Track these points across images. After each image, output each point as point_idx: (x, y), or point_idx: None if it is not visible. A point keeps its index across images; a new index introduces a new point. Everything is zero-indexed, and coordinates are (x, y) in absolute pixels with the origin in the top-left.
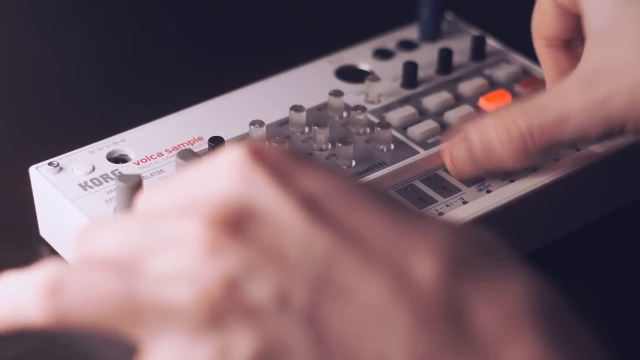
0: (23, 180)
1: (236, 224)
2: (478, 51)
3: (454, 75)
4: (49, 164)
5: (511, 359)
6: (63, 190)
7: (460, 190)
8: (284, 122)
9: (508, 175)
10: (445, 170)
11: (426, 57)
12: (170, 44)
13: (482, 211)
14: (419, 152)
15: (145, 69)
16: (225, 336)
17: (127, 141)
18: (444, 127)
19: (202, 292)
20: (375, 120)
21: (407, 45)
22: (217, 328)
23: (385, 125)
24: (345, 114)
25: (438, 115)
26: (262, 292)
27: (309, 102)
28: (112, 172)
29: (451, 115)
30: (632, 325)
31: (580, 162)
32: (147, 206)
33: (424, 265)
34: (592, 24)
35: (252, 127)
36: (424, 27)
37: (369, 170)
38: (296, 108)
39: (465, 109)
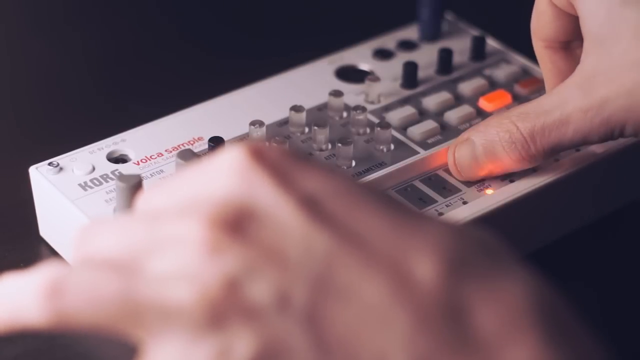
0: (23, 180)
1: (236, 224)
2: (478, 51)
3: (454, 75)
4: (49, 164)
5: (511, 359)
6: (63, 191)
7: (460, 190)
8: (284, 122)
9: (508, 175)
10: (446, 170)
11: (426, 57)
12: (170, 44)
13: (482, 211)
14: (419, 152)
15: (145, 69)
16: (226, 336)
17: (127, 141)
18: (444, 127)
19: (202, 293)
20: (375, 120)
21: (407, 45)
22: (218, 328)
23: (385, 125)
24: (345, 114)
25: (438, 115)
26: (262, 292)
27: (309, 102)
28: (112, 172)
29: (451, 116)
30: (632, 326)
31: (580, 163)
32: (147, 206)
33: (424, 266)
34: (590, 26)
35: (252, 127)
36: (424, 27)
37: (369, 171)
38: (296, 108)
39: (465, 109)
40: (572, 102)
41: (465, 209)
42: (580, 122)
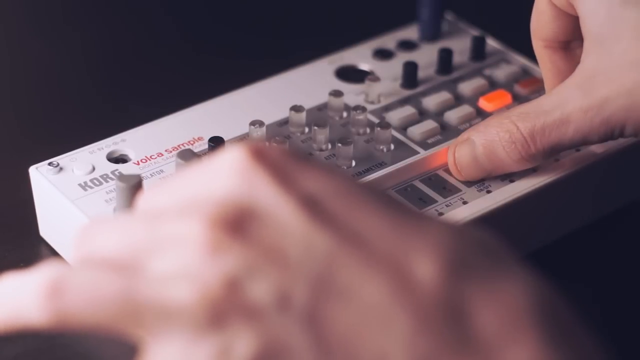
0: (23, 180)
1: (237, 223)
2: (478, 51)
3: (454, 75)
4: (49, 164)
5: None
6: (63, 190)
7: (460, 190)
8: (284, 122)
9: (508, 175)
10: (446, 170)
11: (426, 57)
12: (170, 44)
13: (482, 211)
14: (419, 152)
15: (145, 69)
16: (226, 336)
17: (127, 141)
18: (444, 127)
19: (203, 292)
20: (375, 120)
21: (407, 45)
22: (218, 328)
23: (385, 125)
24: (345, 114)
25: (438, 115)
26: (263, 292)
27: (309, 102)
28: (112, 172)
29: (451, 116)
30: (632, 326)
31: (580, 163)
32: (148, 206)
33: (425, 266)
34: (590, 26)
35: (252, 127)
36: (424, 27)
37: (369, 171)
38: (296, 108)
39: (465, 109)
40: (572, 102)
41: (465, 209)
42: (581, 122)
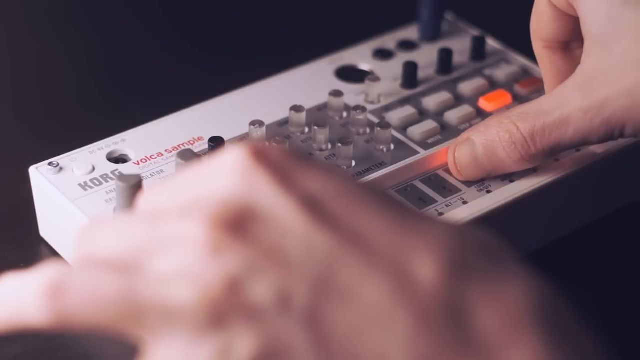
0: (23, 180)
1: (238, 224)
2: (478, 51)
3: (454, 75)
4: (49, 164)
5: None
6: (63, 191)
7: (460, 190)
8: (284, 122)
9: (508, 175)
10: (446, 170)
11: (426, 57)
12: (170, 44)
13: (482, 211)
14: (419, 152)
15: (145, 69)
16: (227, 336)
17: (127, 141)
18: (444, 127)
19: (203, 292)
20: (375, 120)
21: (407, 45)
22: (219, 328)
23: (385, 125)
24: (345, 114)
25: (438, 115)
26: (264, 292)
27: (309, 102)
28: (112, 172)
29: (451, 116)
30: (632, 326)
31: (580, 163)
32: (148, 206)
33: (425, 267)
34: (590, 27)
35: (252, 127)
36: (424, 27)
37: (369, 171)
38: (296, 108)
39: (465, 109)
40: (572, 102)
41: (465, 209)
42: (581, 122)
